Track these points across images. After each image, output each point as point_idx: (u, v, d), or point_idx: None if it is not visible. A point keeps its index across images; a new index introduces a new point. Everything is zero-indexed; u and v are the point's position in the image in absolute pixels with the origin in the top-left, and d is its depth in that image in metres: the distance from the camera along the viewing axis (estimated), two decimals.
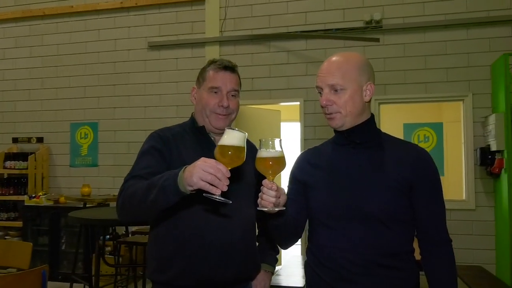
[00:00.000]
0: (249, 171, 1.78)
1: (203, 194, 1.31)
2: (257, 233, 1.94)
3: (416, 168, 1.46)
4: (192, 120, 1.82)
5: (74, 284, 4.15)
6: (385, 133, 1.58)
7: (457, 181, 5.02)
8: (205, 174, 1.27)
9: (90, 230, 3.94)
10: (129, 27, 6.00)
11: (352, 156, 1.50)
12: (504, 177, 4.49)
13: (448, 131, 5.21)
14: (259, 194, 1.35)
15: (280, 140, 1.36)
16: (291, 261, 4.22)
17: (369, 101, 1.52)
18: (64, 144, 6.15)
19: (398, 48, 5.11)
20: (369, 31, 5.18)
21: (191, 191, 1.33)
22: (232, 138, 1.34)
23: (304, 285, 3.61)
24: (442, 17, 5.04)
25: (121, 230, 5.24)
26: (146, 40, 5.90)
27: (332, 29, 5.29)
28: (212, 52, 5.62)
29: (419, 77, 5.03)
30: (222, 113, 1.73)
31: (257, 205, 1.37)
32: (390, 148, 1.51)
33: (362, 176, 1.46)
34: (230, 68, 1.77)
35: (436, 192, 1.49)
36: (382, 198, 1.42)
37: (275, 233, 1.61)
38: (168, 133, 1.74)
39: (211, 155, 1.51)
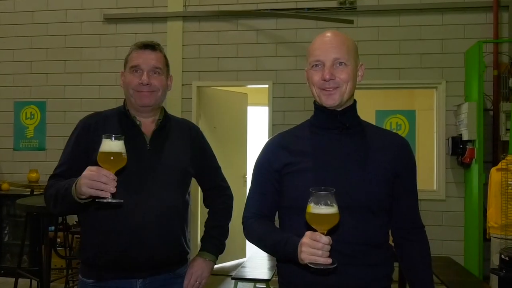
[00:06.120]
0: (182, 155, 1.90)
1: (96, 200, 1.53)
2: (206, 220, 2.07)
3: (400, 156, 1.55)
4: (124, 103, 1.93)
5: (20, 279, 4.08)
6: (363, 120, 1.63)
7: (428, 171, 5.25)
8: (90, 183, 1.48)
9: (39, 220, 3.86)
10: None
11: (338, 141, 1.53)
12: (474, 167, 4.72)
13: (420, 119, 5.40)
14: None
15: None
16: (257, 253, 4.29)
17: None
18: (7, 125, 5.98)
19: (372, 31, 5.22)
20: (342, 12, 5.26)
21: (84, 199, 1.57)
22: (109, 145, 1.54)
23: (272, 278, 3.71)
24: (417, 0, 5.20)
25: (72, 220, 5.16)
26: (101, 12, 5.77)
27: (304, 8, 5.34)
28: (175, 28, 5.55)
29: (393, 63, 5.18)
30: (144, 90, 1.82)
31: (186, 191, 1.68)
32: (372, 135, 1.57)
33: (350, 163, 1.50)
34: (150, 46, 1.86)
35: (415, 181, 1.60)
36: (372, 186, 1.48)
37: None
38: (93, 120, 1.88)
39: (134, 139, 1.79)
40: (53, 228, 4.24)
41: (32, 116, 5.92)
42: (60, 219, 4.45)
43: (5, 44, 5.99)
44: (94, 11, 5.80)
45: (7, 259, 5.17)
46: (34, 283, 4.29)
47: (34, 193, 4.70)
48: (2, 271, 5.03)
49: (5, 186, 5.28)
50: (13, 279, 4.11)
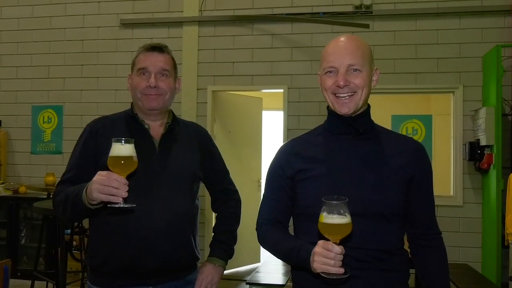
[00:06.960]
0: (191, 158, 1.88)
1: (107, 205, 1.50)
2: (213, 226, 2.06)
3: (415, 160, 1.53)
4: (131, 107, 1.91)
5: (36, 282, 4.10)
6: (377, 124, 1.62)
7: (444, 176, 5.19)
8: (101, 188, 1.45)
9: (56, 223, 3.91)
10: (99, 2, 5.88)
11: (352, 147, 1.52)
12: (492, 173, 4.64)
13: (436, 124, 5.34)
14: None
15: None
16: (272, 258, 4.27)
17: None
18: (25, 129, 6.02)
19: (388, 36, 5.18)
20: (358, 17, 5.23)
21: (96, 205, 1.54)
22: (119, 149, 1.51)
23: (286, 283, 3.69)
24: (434, 4, 5.14)
25: (88, 223, 5.20)
26: (118, 17, 5.81)
27: (319, 13, 5.31)
28: (190, 33, 5.56)
29: (409, 67, 5.13)
30: (152, 93, 1.79)
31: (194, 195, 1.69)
32: (387, 140, 1.56)
33: (364, 169, 1.48)
34: (158, 48, 1.84)
35: (431, 186, 1.57)
36: (386, 192, 1.46)
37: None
38: (100, 124, 1.85)
39: (142, 142, 1.74)
40: (69, 231, 4.27)
41: (49, 120, 5.96)
42: (76, 222, 4.50)
43: (24, 49, 6.05)
44: (111, 16, 5.84)
45: (23, 262, 5.22)
46: (50, 285, 4.29)
47: (51, 196, 4.75)
48: (19, 274, 5.06)
49: (22, 189, 5.34)
50: (29, 282, 4.13)
